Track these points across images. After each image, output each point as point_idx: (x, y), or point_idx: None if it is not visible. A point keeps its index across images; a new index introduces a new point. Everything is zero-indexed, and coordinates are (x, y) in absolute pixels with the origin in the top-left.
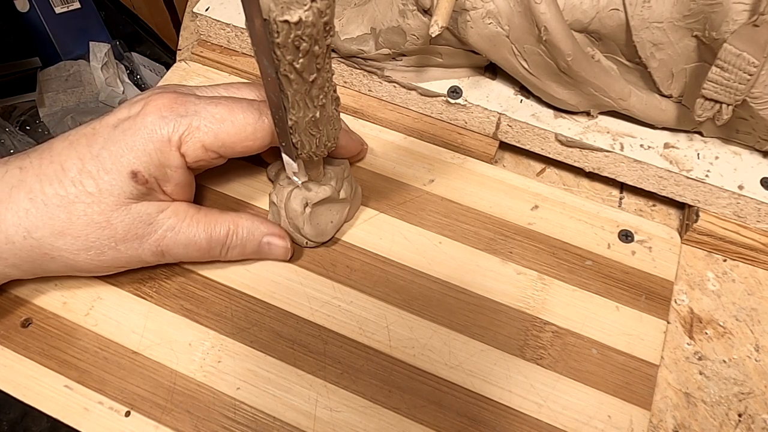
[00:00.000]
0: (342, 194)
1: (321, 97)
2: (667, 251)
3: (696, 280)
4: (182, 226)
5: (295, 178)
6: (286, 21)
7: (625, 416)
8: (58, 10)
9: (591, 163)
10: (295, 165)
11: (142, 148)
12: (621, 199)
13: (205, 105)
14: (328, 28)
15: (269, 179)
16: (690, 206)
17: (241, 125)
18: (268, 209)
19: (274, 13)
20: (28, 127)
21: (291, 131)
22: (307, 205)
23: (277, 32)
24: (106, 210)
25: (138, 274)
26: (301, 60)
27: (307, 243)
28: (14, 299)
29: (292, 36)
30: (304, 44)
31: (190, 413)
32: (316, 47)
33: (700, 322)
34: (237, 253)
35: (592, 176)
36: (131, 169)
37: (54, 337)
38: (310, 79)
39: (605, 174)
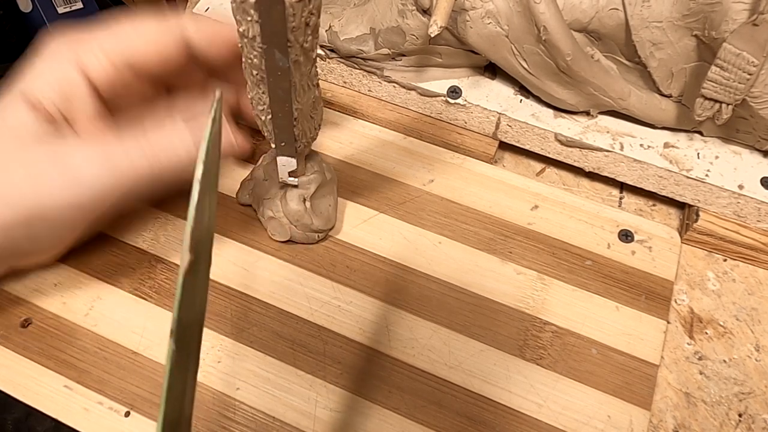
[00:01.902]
0: (328, 175)
1: (315, 73)
2: (667, 251)
3: (696, 280)
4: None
5: (290, 179)
6: (300, 0)
7: (625, 416)
8: (60, 10)
9: (591, 162)
10: (294, 162)
11: (38, 71)
12: (621, 198)
13: (106, 25)
14: None
15: (244, 204)
16: (690, 206)
17: (147, 31)
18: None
19: None
20: None
21: (295, 122)
22: (305, 200)
23: (293, 15)
24: (12, 149)
25: (138, 275)
26: (309, 38)
27: (318, 236)
28: (14, 299)
29: (305, 14)
30: (314, 18)
31: None
32: (318, 19)
33: (701, 322)
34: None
35: (592, 176)
36: (26, 95)
37: (54, 337)
38: (314, 57)
39: (605, 174)
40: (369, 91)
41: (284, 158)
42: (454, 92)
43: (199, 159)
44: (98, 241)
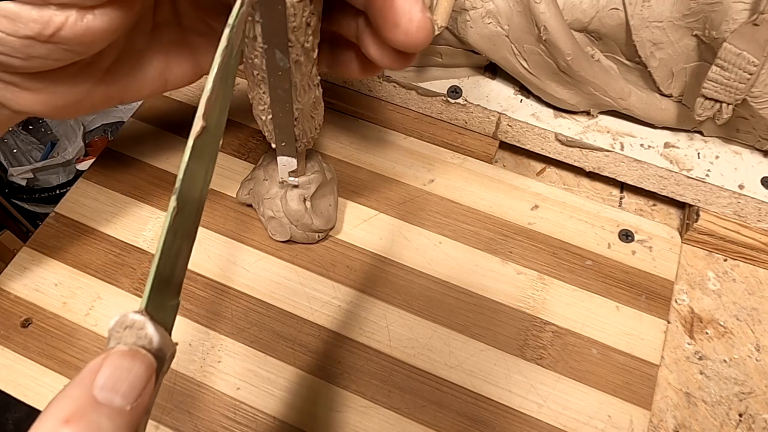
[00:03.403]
0: (328, 174)
1: (316, 74)
2: (667, 251)
3: (696, 280)
4: None
5: (291, 179)
6: (301, 0)
7: (625, 416)
8: None
9: (591, 162)
10: (294, 162)
11: None
12: (621, 198)
13: None
14: None
15: (243, 204)
16: (690, 206)
17: None
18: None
19: None
20: (30, 127)
21: (296, 122)
22: (306, 200)
23: (294, 15)
24: None
25: (138, 274)
26: (310, 37)
27: (318, 236)
28: (14, 299)
29: (306, 14)
30: (314, 18)
31: (190, 413)
32: (319, 19)
33: (701, 322)
34: None
35: (592, 176)
36: None
37: (54, 337)
38: (314, 56)
39: (605, 174)
40: (369, 91)
41: (284, 158)
42: (455, 92)
43: (224, 34)
44: (98, 241)
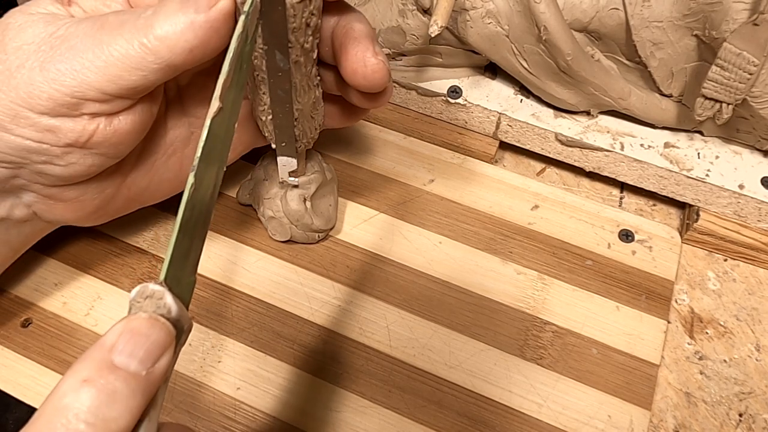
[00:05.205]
0: (328, 174)
1: (316, 74)
2: (667, 251)
3: (696, 280)
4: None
5: (291, 179)
6: (301, 0)
7: (625, 416)
8: None
9: (591, 162)
10: (294, 162)
11: None
12: (621, 198)
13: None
14: None
15: (244, 204)
16: (690, 206)
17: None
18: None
19: None
20: None
21: (295, 122)
22: (306, 200)
23: (294, 16)
24: None
25: (138, 274)
26: (310, 38)
27: (318, 236)
28: (14, 299)
29: (305, 14)
30: (314, 19)
31: (190, 413)
32: (318, 20)
33: (701, 322)
34: None
35: (592, 176)
36: None
37: (54, 337)
38: (314, 57)
39: (605, 173)
40: None
41: (284, 158)
42: (455, 92)
43: (240, 21)
44: (98, 241)
